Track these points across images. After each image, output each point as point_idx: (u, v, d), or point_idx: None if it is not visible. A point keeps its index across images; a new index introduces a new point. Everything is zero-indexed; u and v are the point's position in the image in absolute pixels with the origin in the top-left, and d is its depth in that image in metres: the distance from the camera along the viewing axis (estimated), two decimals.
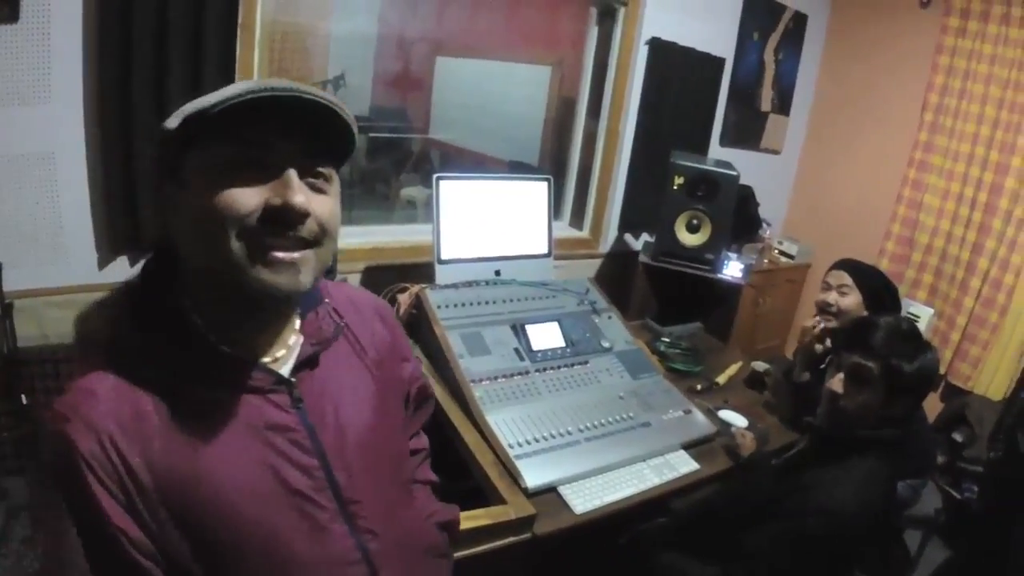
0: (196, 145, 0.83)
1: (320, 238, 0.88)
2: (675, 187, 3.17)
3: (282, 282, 0.85)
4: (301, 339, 1.00)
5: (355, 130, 0.90)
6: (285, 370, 0.96)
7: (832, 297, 2.39)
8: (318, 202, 0.87)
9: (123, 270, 2.63)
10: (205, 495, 0.85)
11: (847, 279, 2.37)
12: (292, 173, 0.83)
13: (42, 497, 2.52)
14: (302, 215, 0.84)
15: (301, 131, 0.85)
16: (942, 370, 4.05)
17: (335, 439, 0.98)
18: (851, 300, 2.36)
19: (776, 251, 4.71)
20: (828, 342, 2.40)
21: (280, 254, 0.84)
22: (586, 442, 2.06)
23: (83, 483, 0.80)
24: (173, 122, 0.82)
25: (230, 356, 0.90)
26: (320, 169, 0.88)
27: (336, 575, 0.97)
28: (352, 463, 0.99)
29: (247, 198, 0.82)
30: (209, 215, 0.81)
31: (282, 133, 0.83)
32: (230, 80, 2.55)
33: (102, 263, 2.58)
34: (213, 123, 0.80)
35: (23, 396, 2.43)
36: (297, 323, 1.01)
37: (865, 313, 2.29)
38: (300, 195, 0.83)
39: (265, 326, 0.96)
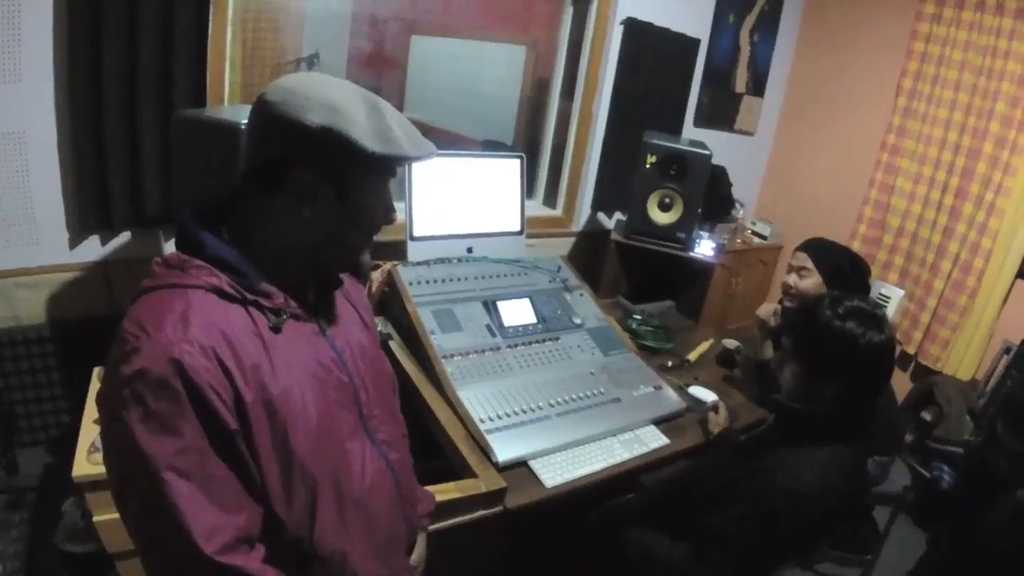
0: (354, 163, 0.98)
1: None
2: (647, 166, 3.18)
3: (366, 261, 1.13)
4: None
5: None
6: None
7: (792, 279, 2.41)
8: None
9: (94, 250, 2.60)
10: (286, 403, 1.00)
11: (807, 261, 2.38)
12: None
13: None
14: None
15: None
16: (911, 350, 4.11)
17: (352, 360, 1.16)
18: (809, 282, 2.37)
19: (749, 231, 4.75)
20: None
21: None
22: (557, 417, 2.07)
23: (200, 394, 0.90)
24: (371, 144, 0.97)
25: (291, 292, 1.07)
26: None
27: (380, 482, 1.16)
28: (368, 384, 1.19)
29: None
30: (364, 219, 1.06)
31: None
32: (202, 61, 2.53)
33: (73, 243, 2.55)
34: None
35: None
36: None
37: None
38: None
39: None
